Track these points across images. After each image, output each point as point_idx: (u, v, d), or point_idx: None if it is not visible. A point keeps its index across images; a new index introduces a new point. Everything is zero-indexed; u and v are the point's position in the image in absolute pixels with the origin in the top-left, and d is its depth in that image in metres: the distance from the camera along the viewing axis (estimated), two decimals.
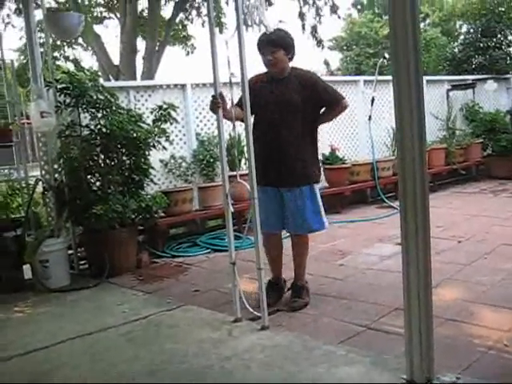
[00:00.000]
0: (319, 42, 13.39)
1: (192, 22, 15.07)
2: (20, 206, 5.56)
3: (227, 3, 13.39)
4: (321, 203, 4.01)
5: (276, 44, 3.82)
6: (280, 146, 3.84)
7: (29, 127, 5.87)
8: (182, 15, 14.72)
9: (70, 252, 5.31)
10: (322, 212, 4.00)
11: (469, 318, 3.41)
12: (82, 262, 5.46)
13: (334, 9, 12.76)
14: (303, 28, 12.99)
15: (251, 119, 3.57)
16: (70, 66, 13.85)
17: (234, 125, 3.64)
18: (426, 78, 8.76)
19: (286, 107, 3.82)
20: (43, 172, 5.40)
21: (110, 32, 24.34)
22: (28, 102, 5.70)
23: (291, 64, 3.95)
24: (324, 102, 3.96)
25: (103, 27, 15.15)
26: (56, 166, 5.34)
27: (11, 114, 5.48)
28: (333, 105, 4.01)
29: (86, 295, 4.62)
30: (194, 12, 14.77)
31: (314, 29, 13.12)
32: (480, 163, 9.76)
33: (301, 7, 12.97)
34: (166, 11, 14.30)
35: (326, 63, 25.68)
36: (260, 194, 3.71)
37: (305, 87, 3.86)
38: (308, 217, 3.91)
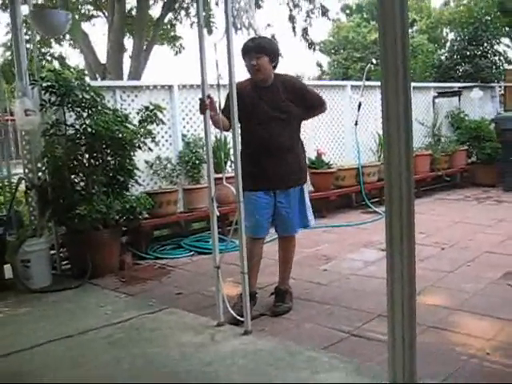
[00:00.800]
0: (311, 44, 13.46)
1: (181, 23, 15.07)
2: (2, 204, 5.48)
3: (217, 4, 13.40)
4: (309, 202, 4.11)
5: (260, 50, 3.81)
6: (273, 149, 3.85)
7: (13, 124, 5.78)
8: (170, 15, 14.70)
9: (53, 252, 5.24)
10: (309, 211, 4.10)
11: (451, 326, 3.42)
12: (64, 263, 5.39)
13: (323, 10, 12.84)
14: (293, 31, 13.06)
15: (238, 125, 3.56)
16: (57, 64, 13.73)
17: (221, 128, 3.62)
18: (412, 84, 8.72)
19: (277, 112, 3.83)
20: (26, 170, 5.33)
21: (98, 30, 24.18)
22: (12, 99, 5.63)
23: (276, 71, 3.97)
24: (308, 103, 4.00)
25: (91, 25, 15.05)
26: (39, 165, 5.28)
27: None
28: (315, 106, 4.11)
29: (68, 296, 4.56)
30: (182, 12, 14.77)
31: (305, 31, 13.20)
32: (464, 170, 9.85)
33: (291, 10, 13.03)
34: (155, 10, 14.27)
35: (319, 65, 25.79)
36: (252, 198, 3.72)
37: (290, 92, 3.89)
38: (296, 217, 4.00)
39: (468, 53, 11.89)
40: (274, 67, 3.91)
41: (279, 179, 3.89)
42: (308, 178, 4.34)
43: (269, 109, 3.83)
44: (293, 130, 3.96)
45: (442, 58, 13.37)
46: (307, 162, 7.20)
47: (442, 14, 22.96)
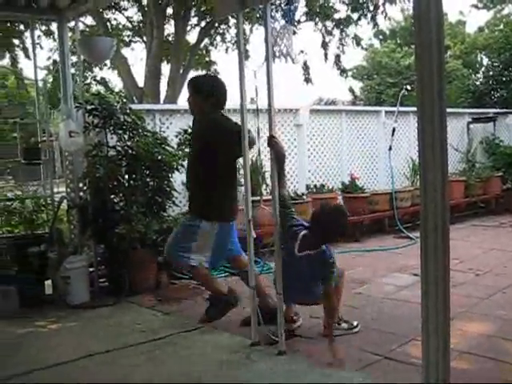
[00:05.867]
0: (343, 71, 13.60)
1: (216, 48, 15.38)
2: (45, 222, 5.67)
3: (251, 30, 13.65)
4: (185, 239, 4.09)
5: (189, 88, 4.17)
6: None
7: (57, 145, 5.99)
8: (206, 40, 15.03)
9: (91, 269, 5.39)
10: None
11: (486, 352, 3.41)
12: (102, 280, 5.52)
13: (357, 40, 13.01)
14: (325, 57, 13.24)
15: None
16: (99, 87, 14.15)
17: (259, 150, 3.73)
18: (447, 110, 8.82)
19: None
20: (68, 190, 5.53)
21: (137, 55, 24.81)
22: (54, 121, 5.86)
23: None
24: None
25: (130, 50, 15.48)
26: (81, 185, 5.47)
27: (40, 132, 5.65)
28: None
29: (105, 313, 4.69)
30: (218, 38, 15.10)
31: (338, 58, 13.36)
32: (499, 197, 9.74)
33: (324, 37, 13.22)
34: (191, 36, 14.63)
35: (351, 90, 25.92)
36: None
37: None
38: None
39: (504, 78, 11.85)
40: (213, 105, 4.05)
41: None
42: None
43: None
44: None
45: (477, 83, 13.33)
46: (340, 186, 7.36)
47: (476, 39, 22.90)
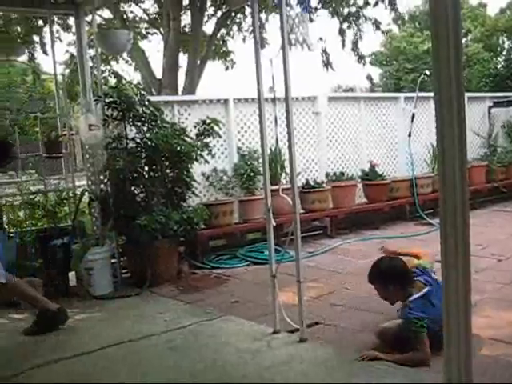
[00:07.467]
0: (361, 58, 13.45)
1: (233, 38, 15.33)
2: (67, 215, 5.75)
3: (267, 19, 13.57)
4: None
5: None
6: None
7: (76, 139, 6.06)
8: (223, 30, 14.98)
9: (113, 261, 5.46)
10: None
11: (508, 338, 3.39)
12: (124, 271, 5.60)
13: (377, 24, 12.83)
14: (343, 44, 13.11)
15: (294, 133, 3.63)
16: (113, 80, 14.22)
17: (276, 139, 3.73)
18: (467, 94, 8.71)
19: None
20: (90, 182, 5.59)
21: (153, 46, 24.86)
22: (73, 114, 5.92)
23: None
24: None
25: (147, 42, 15.50)
26: (102, 177, 5.53)
27: (61, 126, 5.71)
28: None
29: (128, 303, 4.76)
30: (234, 27, 15.05)
31: (355, 44, 13.21)
32: None
33: (341, 23, 13.09)
34: (208, 27, 14.59)
35: (369, 78, 25.65)
36: None
37: None
38: None
39: None
40: None
41: None
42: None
43: None
44: None
45: (499, 66, 13.12)
46: (360, 173, 7.30)
47: (497, 21, 22.49)
